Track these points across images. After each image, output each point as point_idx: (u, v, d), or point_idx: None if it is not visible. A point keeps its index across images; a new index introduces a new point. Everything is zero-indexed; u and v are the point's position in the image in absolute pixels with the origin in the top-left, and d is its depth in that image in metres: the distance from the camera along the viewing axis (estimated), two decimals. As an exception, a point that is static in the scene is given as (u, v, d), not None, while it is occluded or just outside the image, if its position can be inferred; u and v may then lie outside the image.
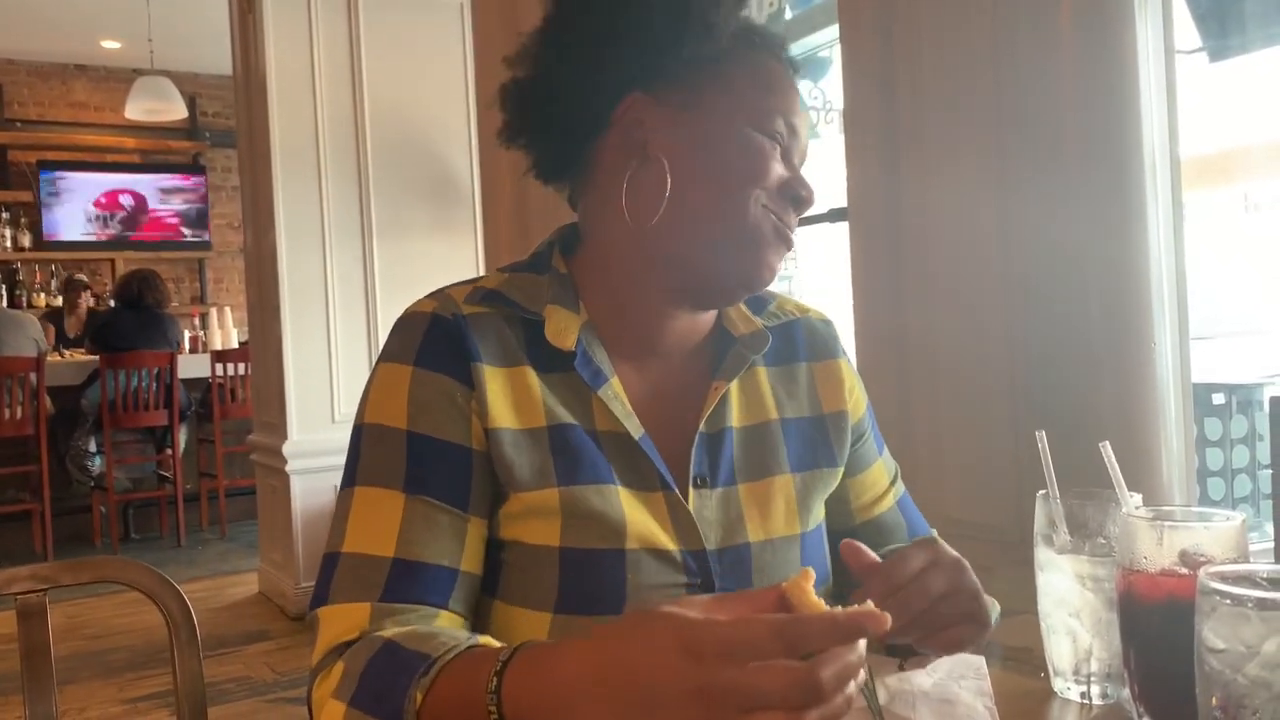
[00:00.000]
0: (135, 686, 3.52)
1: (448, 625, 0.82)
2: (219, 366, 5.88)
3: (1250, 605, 0.52)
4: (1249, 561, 0.67)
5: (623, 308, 0.94)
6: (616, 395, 0.91)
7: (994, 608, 0.88)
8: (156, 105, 6.56)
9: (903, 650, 0.86)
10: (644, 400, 0.93)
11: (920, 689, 0.81)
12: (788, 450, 0.97)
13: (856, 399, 1.03)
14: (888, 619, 0.55)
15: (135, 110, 6.65)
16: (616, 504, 0.88)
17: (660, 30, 0.88)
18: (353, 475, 0.87)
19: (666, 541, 0.88)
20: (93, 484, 5.76)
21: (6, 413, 5.30)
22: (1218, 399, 3.07)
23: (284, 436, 4.24)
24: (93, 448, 5.71)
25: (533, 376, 0.90)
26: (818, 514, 0.98)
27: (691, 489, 0.92)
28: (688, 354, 0.97)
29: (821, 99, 3.28)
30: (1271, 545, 1.01)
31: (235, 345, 6.56)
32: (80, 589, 4.45)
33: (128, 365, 5.52)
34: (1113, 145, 1.50)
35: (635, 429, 0.91)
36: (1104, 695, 0.80)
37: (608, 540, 0.87)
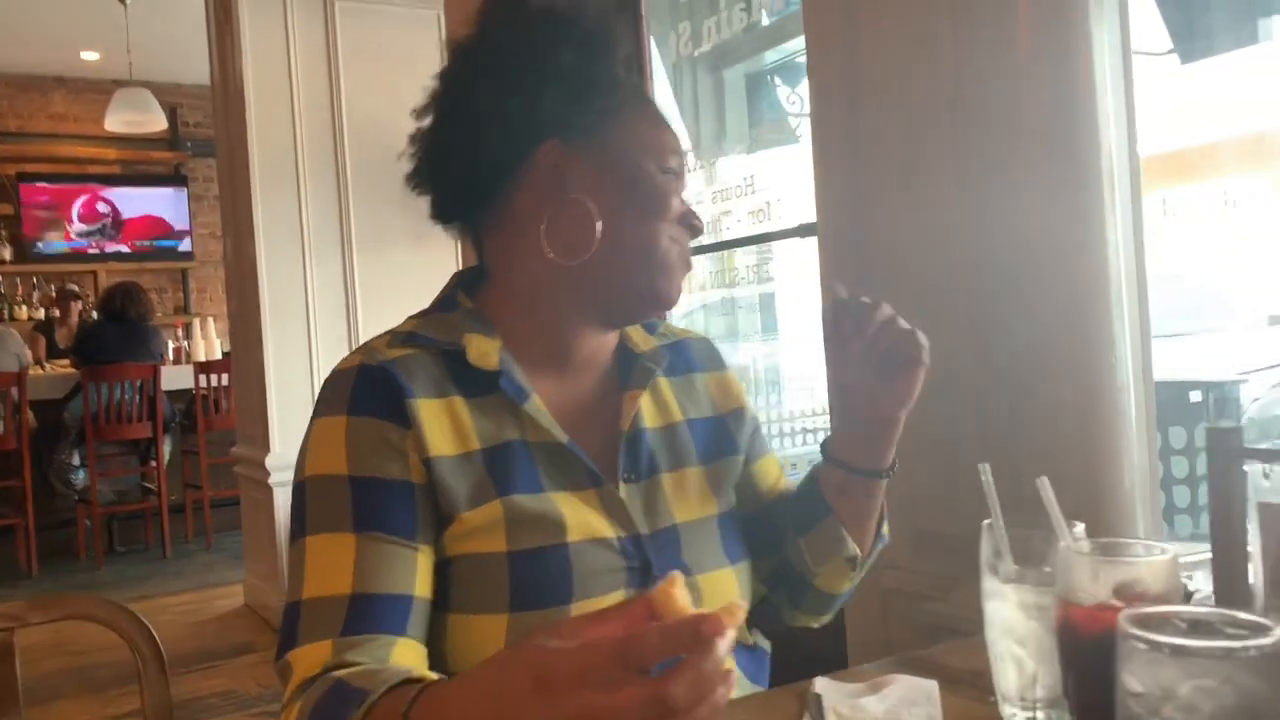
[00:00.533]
0: (119, 702, 3.52)
1: (406, 652, 0.87)
2: (202, 377, 5.87)
3: (1165, 651, 0.54)
4: (1182, 593, 0.69)
5: (538, 331, 1.02)
6: (539, 409, 0.99)
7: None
8: (136, 117, 6.54)
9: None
10: (562, 412, 1.01)
11: (871, 716, 0.83)
12: (696, 445, 1.08)
13: (746, 403, 1.17)
14: (723, 622, 0.56)
15: (115, 122, 6.62)
16: (553, 505, 0.95)
17: (574, 85, 0.98)
18: (302, 527, 0.91)
19: (605, 530, 0.96)
20: (77, 497, 5.75)
21: (-12, 428, 5.29)
22: (1195, 396, 3.09)
23: (266, 449, 4.24)
24: (76, 461, 5.70)
25: (461, 405, 0.96)
26: (729, 498, 1.09)
27: (621, 483, 1.00)
28: (596, 371, 1.06)
29: (799, 104, 3.30)
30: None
31: (219, 356, 6.55)
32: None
33: (110, 378, 5.51)
34: (1071, 147, 1.52)
35: (561, 436, 0.99)
36: (1048, 718, 0.81)
37: (551, 537, 0.93)
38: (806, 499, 1.11)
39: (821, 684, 0.91)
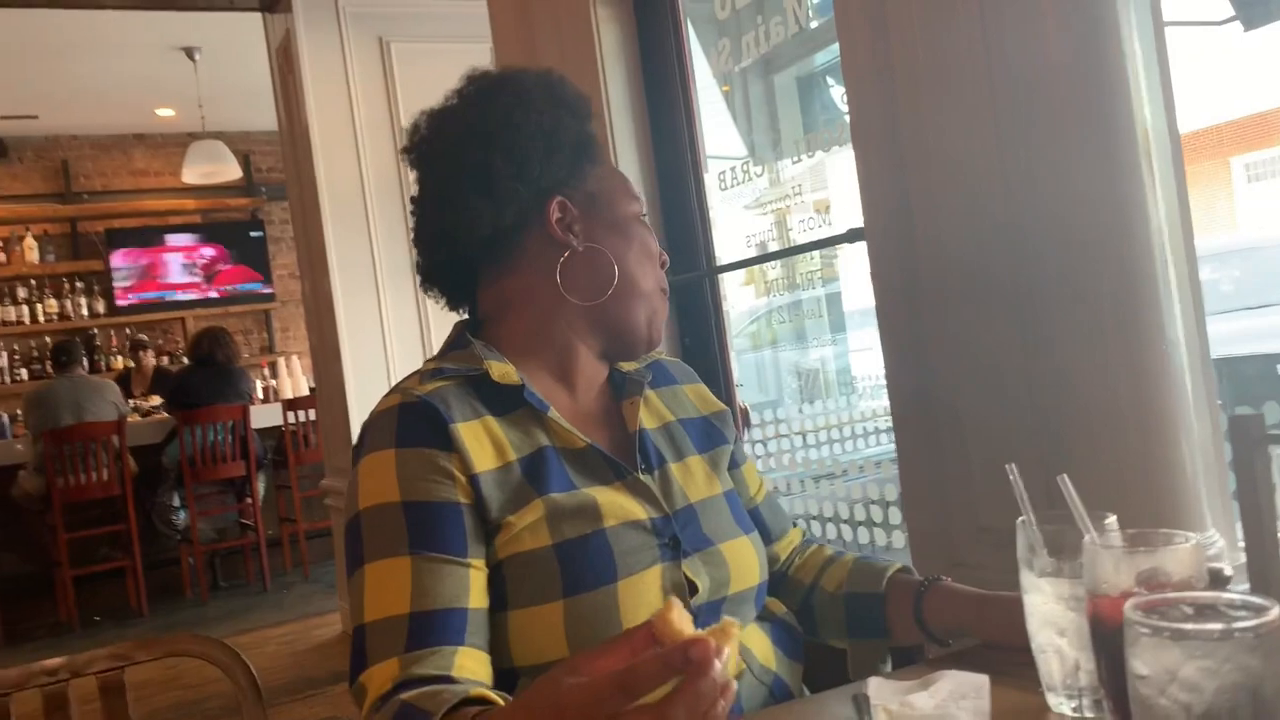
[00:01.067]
0: (231, 733, 3.66)
1: (468, 660, 0.95)
2: (290, 414, 6.07)
3: (1166, 635, 0.56)
4: (1205, 580, 0.71)
5: (547, 359, 1.15)
6: (557, 419, 1.10)
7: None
8: (211, 167, 6.79)
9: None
10: (574, 423, 1.13)
11: (920, 713, 0.86)
12: (691, 439, 1.21)
13: (724, 408, 1.30)
14: (711, 645, 0.62)
15: (192, 174, 6.89)
16: (588, 497, 1.05)
17: (570, 146, 1.14)
18: (359, 558, 0.99)
19: (638, 512, 1.06)
20: (179, 537, 5.98)
21: (94, 475, 5.53)
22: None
23: (354, 479, 4.37)
24: (176, 502, 5.93)
25: (493, 422, 1.06)
26: (727, 480, 1.22)
27: (640, 474, 1.11)
28: (595, 390, 1.19)
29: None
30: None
31: (305, 392, 6.76)
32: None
33: (203, 420, 5.72)
34: (1104, 129, 1.52)
35: (582, 439, 1.10)
36: (1097, 706, 0.84)
37: (590, 525, 1.03)
38: (863, 615, 1.19)
39: (874, 684, 0.94)
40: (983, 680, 0.92)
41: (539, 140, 1.11)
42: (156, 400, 6.64)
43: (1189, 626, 0.56)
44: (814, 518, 2.53)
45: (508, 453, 1.05)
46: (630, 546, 1.03)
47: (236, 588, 6.14)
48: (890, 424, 2.12)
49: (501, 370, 1.08)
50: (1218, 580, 0.79)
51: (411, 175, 1.19)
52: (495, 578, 1.01)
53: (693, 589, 1.06)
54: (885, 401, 3.07)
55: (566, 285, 1.12)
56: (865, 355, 3.34)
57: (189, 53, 6.43)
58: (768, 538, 1.27)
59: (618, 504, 1.06)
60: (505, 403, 1.08)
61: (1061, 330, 1.60)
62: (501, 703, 0.85)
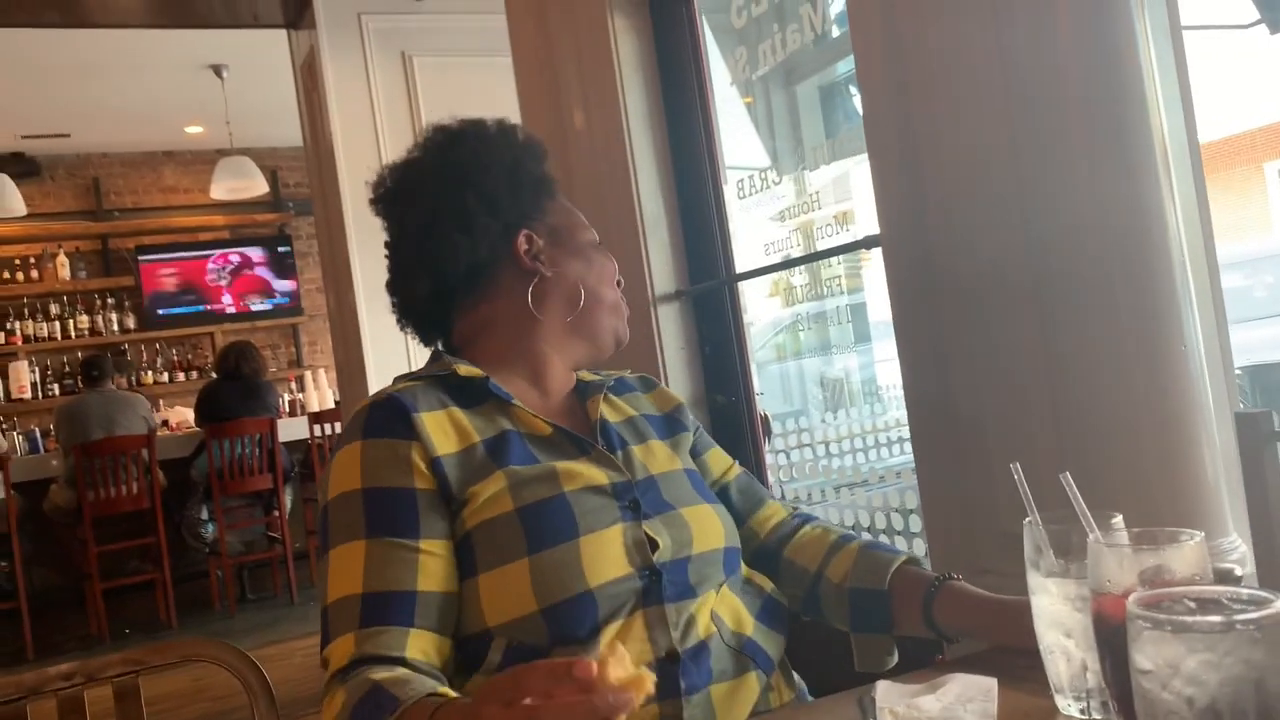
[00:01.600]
0: (257, 743, 3.67)
1: (419, 641, 1.02)
2: (316, 427, 6.10)
3: (1168, 629, 0.55)
4: (1210, 578, 0.70)
5: (520, 370, 1.25)
6: (522, 409, 1.19)
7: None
8: (239, 183, 6.86)
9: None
10: (543, 413, 1.22)
11: (927, 715, 0.85)
12: (653, 427, 1.30)
13: (683, 402, 1.40)
14: (592, 667, 0.70)
15: (220, 190, 6.96)
16: (549, 467, 1.13)
17: (531, 184, 1.27)
18: (326, 544, 1.07)
19: (599, 477, 1.14)
20: (208, 550, 6.03)
21: (124, 489, 5.59)
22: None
23: (379, 491, 4.38)
24: (205, 515, 5.98)
25: (458, 412, 1.15)
26: (688, 461, 1.31)
27: (602, 449, 1.19)
28: (562, 395, 1.28)
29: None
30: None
31: (331, 405, 6.80)
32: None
33: (231, 434, 5.77)
34: (1121, 135, 1.51)
35: (547, 424, 1.19)
36: (1104, 708, 0.82)
37: (551, 489, 1.11)
38: (868, 611, 1.20)
39: (882, 687, 0.93)
40: (991, 683, 0.91)
41: (504, 178, 1.24)
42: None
43: (1190, 619, 0.55)
44: (847, 526, 2.51)
45: (471, 436, 1.13)
46: (591, 507, 1.11)
47: (264, 600, 6.18)
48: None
49: (468, 370, 1.18)
50: (1227, 580, 0.77)
51: (382, 224, 1.31)
52: (464, 547, 1.08)
53: (654, 545, 1.11)
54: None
55: (538, 307, 1.24)
56: (889, 365, 3.32)
57: (217, 70, 6.51)
58: (740, 516, 1.32)
59: (578, 471, 1.13)
60: (472, 397, 1.17)
61: (1079, 337, 1.58)
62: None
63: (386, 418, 1.11)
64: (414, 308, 1.29)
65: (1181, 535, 0.72)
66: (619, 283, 1.33)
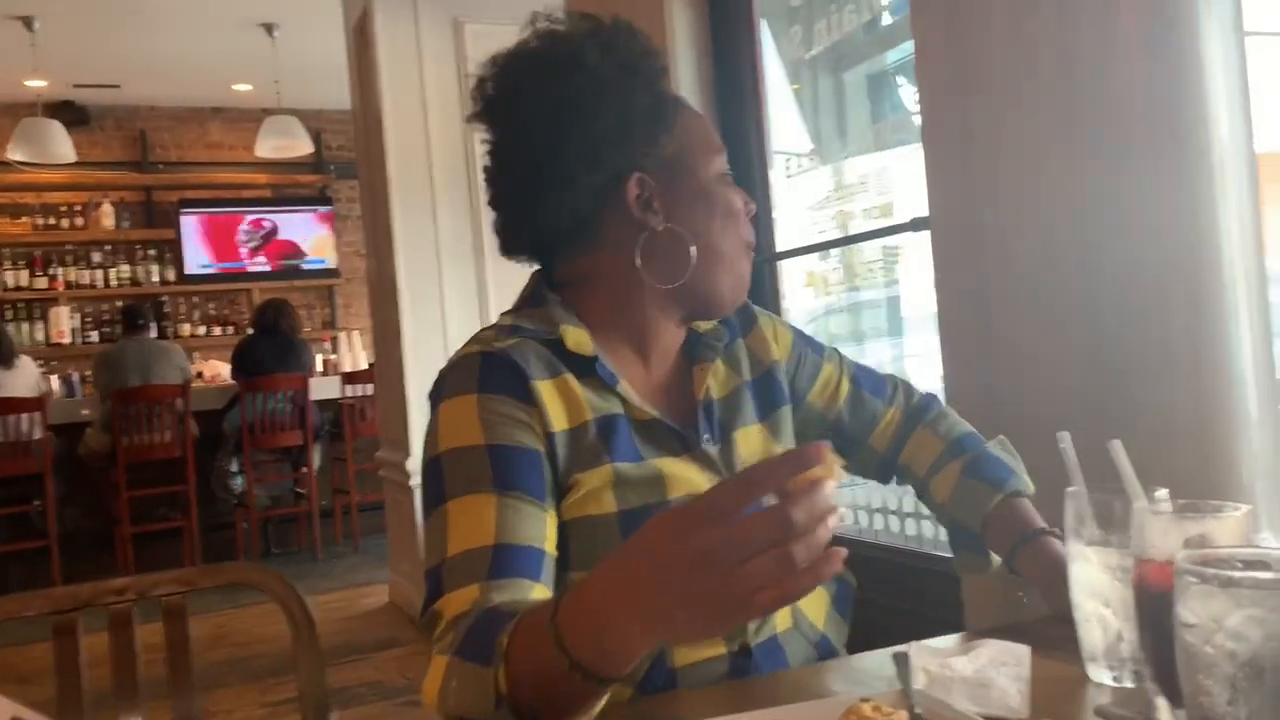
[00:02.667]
0: (276, 690, 3.75)
1: (543, 599, 0.93)
2: (348, 388, 6.18)
3: (1216, 583, 0.57)
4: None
5: (625, 330, 1.14)
6: (628, 389, 1.10)
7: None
8: (284, 142, 6.92)
9: None
10: (646, 391, 1.14)
11: (960, 675, 0.87)
12: (754, 405, 1.22)
13: (780, 343, 1.28)
14: (824, 446, 0.66)
15: (265, 148, 7.03)
16: (655, 469, 1.06)
17: (645, 117, 1.09)
18: (440, 495, 0.99)
19: (703, 484, 1.06)
20: (235, 502, 6.12)
21: (158, 436, 5.68)
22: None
23: (408, 453, 4.44)
24: (235, 468, 6.06)
25: (572, 380, 1.07)
26: (788, 441, 1.23)
27: (705, 445, 1.12)
28: (670, 353, 1.18)
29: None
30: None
31: (364, 367, 6.87)
32: (227, 601, 4.76)
33: (264, 389, 5.85)
34: (1178, 139, 1.50)
35: (651, 410, 1.10)
36: (1136, 677, 0.84)
37: (655, 495, 1.04)
38: (964, 541, 1.22)
39: (915, 647, 0.94)
40: (1024, 650, 0.92)
41: (614, 121, 1.07)
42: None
43: (1238, 574, 0.56)
44: (874, 509, 2.52)
45: (584, 411, 1.06)
46: None
47: (288, 555, 6.27)
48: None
49: (576, 339, 1.08)
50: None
51: (480, 137, 1.16)
52: (560, 537, 1.02)
53: None
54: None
55: (647, 267, 1.10)
56: (919, 360, 3.32)
57: (268, 29, 6.56)
58: (857, 440, 1.29)
59: (684, 476, 1.07)
60: (581, 365, 1.08)
61: (1128, 345, 1.58)
62: None
63: (504, 376, 1.03)
64: (512, 244, 1.17)
65: (1227, 506, 0.73)
66: (751, 208, 1.17)
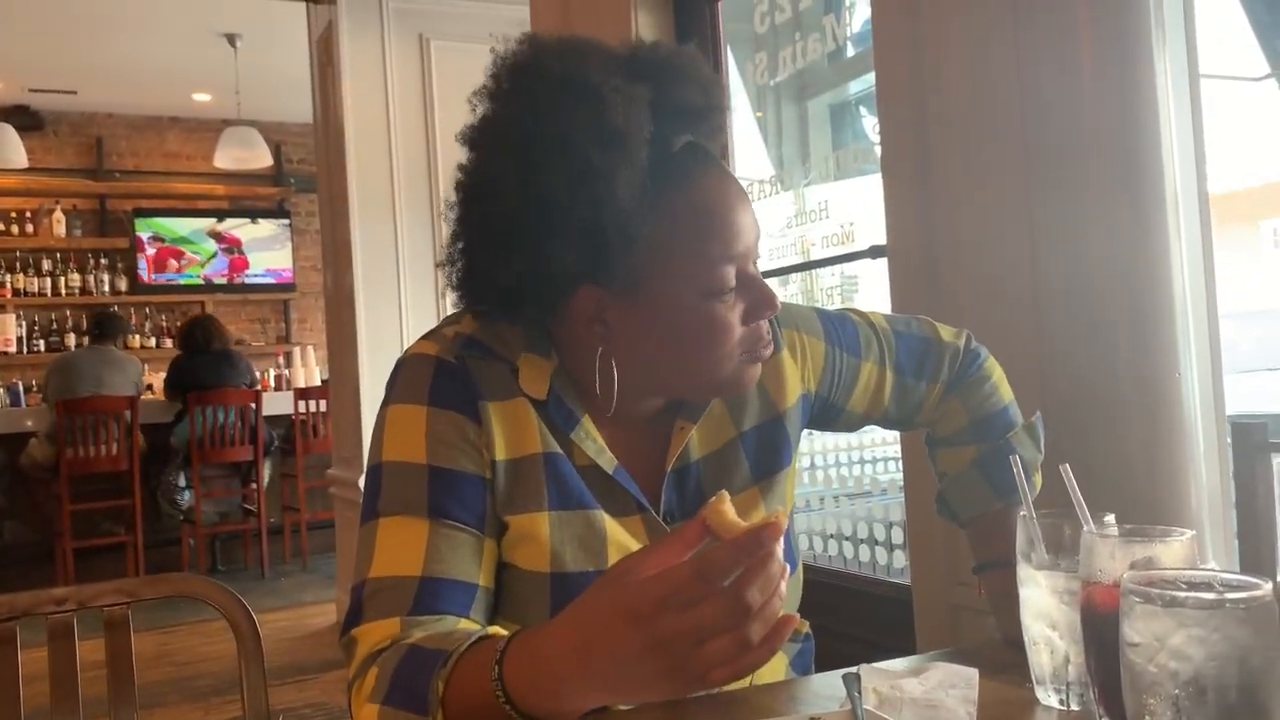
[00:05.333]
0: (220, 710, 3.67)
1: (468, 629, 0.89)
2: (301, 403, 6.10)
3: (1160, 603, 0.58)
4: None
5: (592, 382, 0.99)
6: (589, 434, 1.00)
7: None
8: (243, 153, 6.87)
9: None
10: (616, 434, 1.02)
11: (910, 696, 0.87)
12: (748, 464, 1.08)
13: (808, 372, 1.12)
14: (781, 524, 0.66)
15: (224, 159, 6.96)
16: (600, 528, 0.98)
17: (595, 233, 0.90)
18: (374, 510, 0.95)
19: None
20: (182, 517, 6.01)
21: (104, 449, 5.57)
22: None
23: (360, 470, 4.39)
24: (182, 482, 5.96)
25: (526, 406, 0.99)
26: (780, 504, 1.09)
27: (664, 520, 1.02)
28: (650, 405, 1.05)
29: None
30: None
31: (318, 383, 6.79)
32: (169, 618, 4.66)
33: (214, 403, 5.76)
34: (1133, 178, 1.54)
35: (609, 463, 1.00)
36: (1081, 700, 0.85)
37: (592, 562, 0.97)
38: (947, 517, 1.23)
39: (866, 669, 0.95)
40: (972, 673, 0.93)
41: (553, 216, 0.89)
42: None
43: (1182, 594, 0.57)
44: (828, 535, 2.53)
45: (532, 442, 0.97)
46: None
47: (235, 572, 6.16)
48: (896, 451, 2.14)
49: (532, 375, 0.98)
50: (1213, 582, 0.80)
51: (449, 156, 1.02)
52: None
53: None
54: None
55: (604, 371, 0.97)
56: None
57: (230, 39, 6.51)
58: (900, 422, 1.22)
59: (628, 544, 0.99)
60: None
61: (1077, 380, 1.60)
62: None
63: (454, 390, 0.96)
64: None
65: (1173, 531, 0.75)
66: (766, 308, 0.97)
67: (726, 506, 0.69)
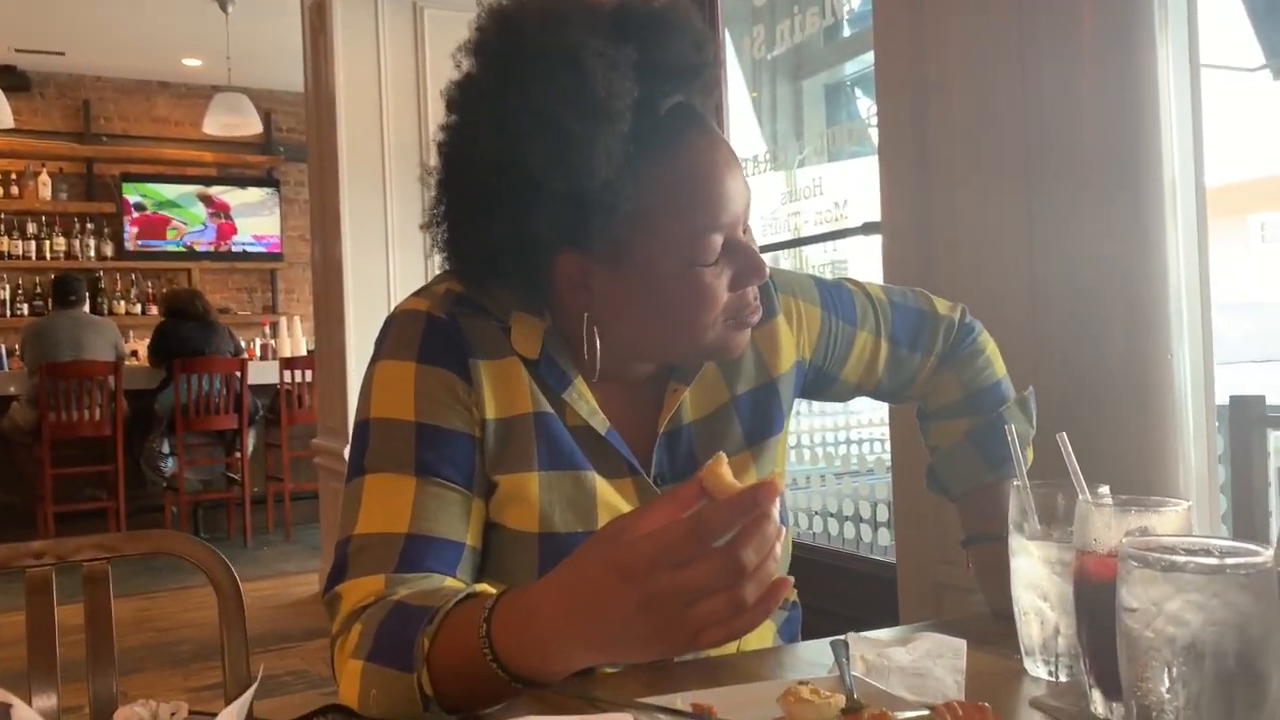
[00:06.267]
0: (200, 676, 3.66)
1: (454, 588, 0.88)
2: (287, 373, 6.06)
3: (1159, 568, 0.57)
4: (1194, 543, 0.72)
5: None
6: (581, 395, 0.99)
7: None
8: (233, 120, 6.80)
9: None
10: (609, 395, 1.01)
11: (897, 664, 0.87)
12: (740, 428, 1.07)
13: (803, 339, 1.11)
14: (779, 485, 0.65)
15: (213, 125, 6.89)
16: (590, 488, 0.97)
17: (575, 202, 0.89)
18: (361, 466, 0.93)
19: None
20: (165, 484, 5.98)
21: (86, 414, 5.54)
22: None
23: (345, 440, 4.37)
24: (166, 449, 5.93)
25: (518, 365, 0.97)
26: (770, 468, 1.09)
27: (654, 482, 1.02)
28: (643, 367, 1.04)
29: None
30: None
31: (304, 353, 6.75)
32: (150, 584, 4.64)
33: (200, 370, 5.72)
34: (1132, 165, 1.53)
35: (601, 424, 0.99)
36: (1070, 671, 0.84)
37: (581, 523, 0.96)
38: (936, 490, 1.22)
39: (854, 637, 0.94)
40: (960, 644, 0.92)
41: (531, 181, 0.87)
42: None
43: (1181, 559, 0.57)
44: (814, 512, 2.53)
45: (524, 401, 0.96)
46: None
47: (217, 540, 6.13)
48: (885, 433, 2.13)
49: (525, 333, 0.97)
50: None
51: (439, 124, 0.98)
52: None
53: None
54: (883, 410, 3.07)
55: (589, 339, 0.96)
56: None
57: (222, 4, 6.43)
58: (893, 394, 1.22)
59: (618, 506, 0.98)
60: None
61: (1066, 350, 1.60)
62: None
63: (445, 347, 0.94)
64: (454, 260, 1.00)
65: (1169, 502, 0.74)
66: (754, 273, 0.95)
67: (724, 469, 0.68)
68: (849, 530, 2.37)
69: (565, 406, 0.99)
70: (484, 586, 0.84)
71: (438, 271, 1.05)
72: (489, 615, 0.75)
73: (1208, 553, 0.58)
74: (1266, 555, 0.56)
